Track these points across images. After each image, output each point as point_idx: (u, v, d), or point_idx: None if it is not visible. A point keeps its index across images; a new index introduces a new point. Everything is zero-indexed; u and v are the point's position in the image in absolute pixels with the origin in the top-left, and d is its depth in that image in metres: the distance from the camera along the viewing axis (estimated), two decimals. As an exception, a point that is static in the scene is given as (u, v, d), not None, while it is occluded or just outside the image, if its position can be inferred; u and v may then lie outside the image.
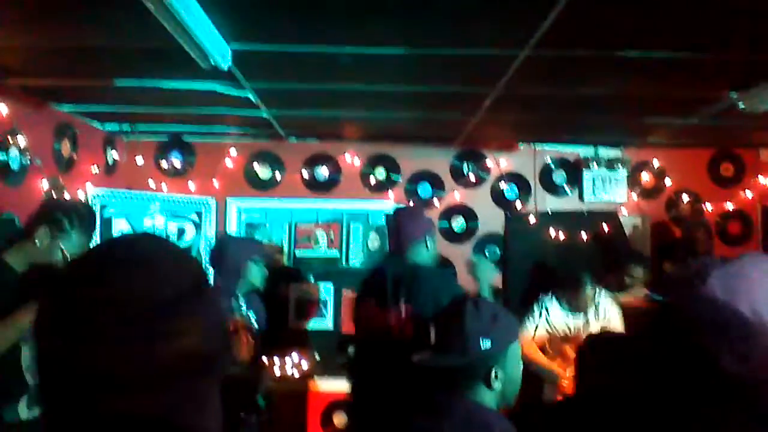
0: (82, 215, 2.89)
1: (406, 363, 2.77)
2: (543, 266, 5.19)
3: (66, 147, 4.26)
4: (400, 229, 3.33)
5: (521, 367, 2.00)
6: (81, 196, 4.39)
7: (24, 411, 2.62)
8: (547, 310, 4.40)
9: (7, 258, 2.69)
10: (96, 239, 4.49)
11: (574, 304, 4.32)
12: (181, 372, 0.83)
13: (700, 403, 0.85)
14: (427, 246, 3.35)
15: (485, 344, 1.88)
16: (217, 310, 0.91)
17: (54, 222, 2.73)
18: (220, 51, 2.70)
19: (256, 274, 3.76)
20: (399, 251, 3.30)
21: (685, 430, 0.90)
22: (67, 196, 4.13)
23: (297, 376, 4.84)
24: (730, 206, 5.51)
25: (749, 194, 5.50)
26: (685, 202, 5.51)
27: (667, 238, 5.44)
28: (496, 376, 1.87)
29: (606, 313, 4.31)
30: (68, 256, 2.71)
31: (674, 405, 0.90)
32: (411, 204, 5.38)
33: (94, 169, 4.60)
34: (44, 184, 3.92)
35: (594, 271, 4.44)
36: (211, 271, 3.81)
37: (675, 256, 4.84)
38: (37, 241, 2.69)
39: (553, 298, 4.44)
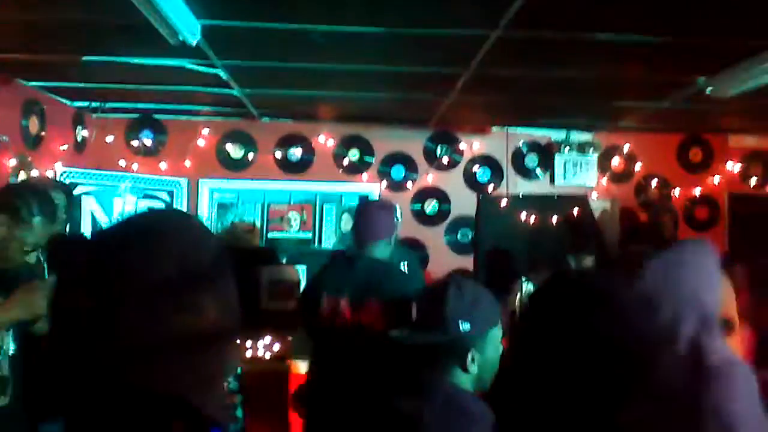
0: (47, 203, 2.78)
1: (376, 347, 2.80)
2: (502, 252, 5.24)
3: (34, 124, 4.19)
4: (368, 224, 3.30)
5: (500, 351, 2.00)
6: (50, 174, 4.33)
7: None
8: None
9: None
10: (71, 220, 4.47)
11: None
12: (192, 346, 0.83)
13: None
14: (389, 242, 3.34)
15: (464, 326, 1.88)
16: (234, 288, 0.92)
17: (11, 210, 2.59)
18: (188, 26, 2.68)
19: None
20: (361, 245, 3.28)
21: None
22: (35, 173, 4.07)
23: (268, 357, 4.85)
24: (697, 191, 5.59)
25: (717, 180, 5.59)
26: (653, 186, 5.58)
27: (635, 223, 5.53)
28: (472, 360, 1.88)
29: None
30: (25, 247, 2.61)
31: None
32: (383, 189, 5.38)
33: (64, 147, 4.53)
34: (11, 162, 3.86)
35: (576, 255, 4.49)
36: None
37: (640, 240, 4.92)
38: (36, 229, 2.57)
39: (529, 281, 4.46)
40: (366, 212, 3.37)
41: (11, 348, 2.50)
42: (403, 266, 4.08)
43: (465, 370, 1.88)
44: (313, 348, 3.24)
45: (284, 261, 5.32)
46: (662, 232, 5.02)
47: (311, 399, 3.29)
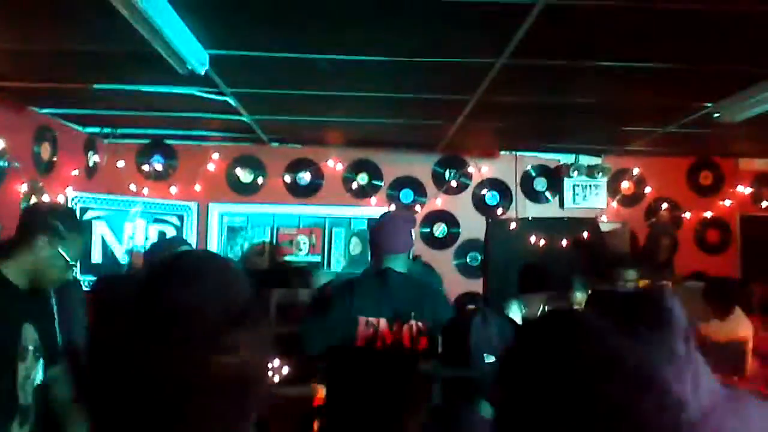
0: (74, 217, 2.80)
1: (408, 373, 2.75)
2: (532, 267, 5.20)
3: (46, 150, 4.24)
4: (389, 236, 3.20)
5: None
6: (61, 199, 4.37)
7: (17, 429, 2.51)
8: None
9: (6, 272, 2.50)
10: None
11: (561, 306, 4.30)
12: (228, 386, 0.84)
13: None
14: (408, 256, 3.28)
15: (489, 359, 1.89)
16: (265, 328, 0.93)
17: (50, 229, 2.55)
18: (197, 56, 2.71)
19: None
20: (381, 259, 3.18)
21: None
22: (46, 199, 4.11)
23: (277, 381, 4.83)
24: (708, 214, 5.56)
25: (728, 203, 5.55)
26: (664, 210, 5.55)
27: (636, 245, 5.49)
28: None
29: None
30: (70, 262, 2.62)
31: None
32: (395, 209, 5.38)
33: (75, 173, 4.57)
34: (23, 188, 3.90)
35: (585, 278, 4.45)
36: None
37: (636, 263, 4.87)
38: (36, 251, 2.51)
39: (516, 302, 4.40)
40: (386, 225, 3.24)
41: (39, 377, 2.50)
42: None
43: (492, 403, 1.87)
44: (339, 372, 3.10)
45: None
46: (657, 255, 4.96)
47: (337, 426, 3.18)
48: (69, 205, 4.36)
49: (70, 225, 2.64)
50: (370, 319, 2.95)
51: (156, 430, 0.81)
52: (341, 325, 2.98)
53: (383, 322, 2.95)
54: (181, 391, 0.82)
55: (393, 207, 5.41)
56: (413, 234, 3.35)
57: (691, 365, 0.74)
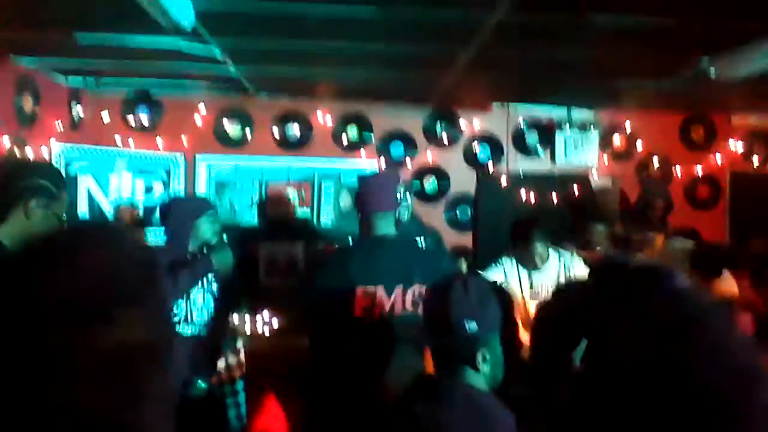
0: (59, 172, 2.73)
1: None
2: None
3: (28, 102, 4.14)
4: (372, 196, 3.19)
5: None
6: (45, 152, 4.29)
7: None
8: (504, 272, 4.41)
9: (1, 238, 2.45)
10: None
11: (525, 259, 4.34)
12: (116, 364, 0.82)
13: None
14: (394, 215, 3.27)
15: (470, 326, 1.85)
16: (164, 304, 0.90)
17: (41, 190, 2.47)
18: (182, 10, 2.62)
19: (206, 229, 3.70)
20: (367, 219, 3.17)
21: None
22: (29, 152, 4.03)
23: (268, 334, 4.86)
24: (699, 170, 5.55)
25: (719, 159, 5.54)
26: (655, 165, 5.54)
27: (627, 202, 5.51)
28: (484, 359, 1.85)
29: (572, 271, 4.36)
30: (63, 220, 2.58)
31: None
32: (382, 166, 5.34)
33: (59, 125, 4.48)
34: (5, 141, 3.82)
35: (553, 230, 4.50)
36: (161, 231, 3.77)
37: (629, 220, 4.91)
38: (30, 215, 2.43)
39: (512, 258, 4.46)
40: (372, 183, 3.22)
41: None
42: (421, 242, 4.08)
43: (475, 368, 1.86)
44: (332, 342, 3.11)
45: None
46: (649, 215, 4.99)
47: (324, 395, 3.20)
48: (48, 159, 4.29)
49: (58, 182, 2.59)
50: (368, 287, 2.96)
51: (36, 413, 0.79)
52: (339, 297, 2.99)
53: (380, 290, 2.96)
54: (59, 373, 0.79)
55: (383, 161, 5.36)
56: (401, 193, 3.34)
57: None
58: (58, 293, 0.80)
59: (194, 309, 3.64)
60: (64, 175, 2.86)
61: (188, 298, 3.66)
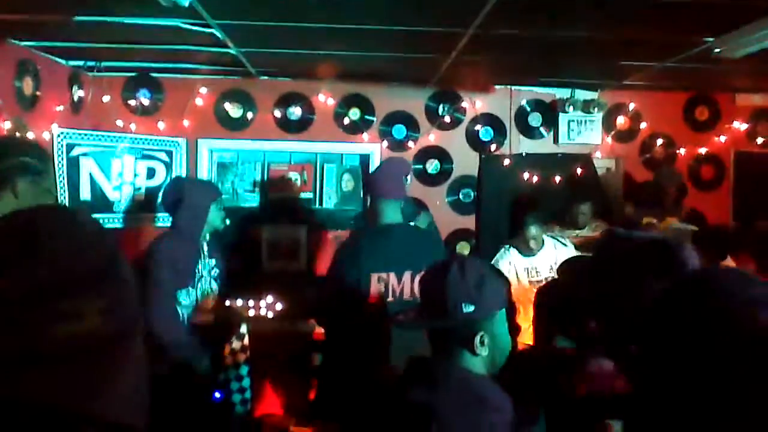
0: (37, 145, 2.71)
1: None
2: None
3: (28, 84, 4.12)
4: (382, 183, 3.26)
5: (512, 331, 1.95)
6: (46, 136, 4.28)
7: None
8: (510, 261, 4.46)
9: None
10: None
11: (522, 244, 4.42)
12: (75, 355, 0.79)
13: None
14: (401, 203, 3.33)
15: (467, 309, 1.83)
16: (127, 291, 0.87)
17: (27, 169, 2.47)
18: (180, -13, 2.59)
19: (216, 216, 3.74)
20: (376, 206, 3.25)
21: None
22: (30, 135, 4.02)
23: (271, 317, 4.87)
24: (703, 151, 5.52)
25: (723, 139, 5.50)
26: (659, 145, 5.50)
27: (635, 183, 5.49)
28: (482, 342, 1.83)
29: (564, 253, 4.38)
30: (55, 194, 2.56)
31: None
32: (384, 148, 5.32)
33: (60, 108, 4.46)
34: (7, 125, 3.80)
35: (543, 212, 4.58)
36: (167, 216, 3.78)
37: (640, 201, 4.90)
38: (21, 196, 2.42)
39: (510, 246, 4.52)
40: (384, 170, 3.34)
41: None
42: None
43: (473, 352, 1.84)
44: (349, 329, 3.16)
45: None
46: (663, 199, 4.98)
47: (330, 383, 3.26)
48: (50, 143, 4.29)
49: (41, 156, 2.56)
50: (381, 274, 3.06)
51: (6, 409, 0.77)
52: (355, 286, 3.07)
53: (392, 277, 3.06)
54: (20, 363, 0.77)
55: (385, 143, 5.34)
56: (407, 181, 3.42)
57: None
58: (17, 282, 0.78)
59: (201, 296, 3.67)
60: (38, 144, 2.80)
61: (196, 286, 3.69)
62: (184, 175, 5.06)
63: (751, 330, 0.92)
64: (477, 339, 1.82)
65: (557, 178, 5.32)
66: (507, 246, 4.58)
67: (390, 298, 3.12)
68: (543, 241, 4.51)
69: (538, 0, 2.96)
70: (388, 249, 3.15)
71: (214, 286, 3.84)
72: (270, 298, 4.91)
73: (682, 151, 5.49)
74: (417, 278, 3.11)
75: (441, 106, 5.41)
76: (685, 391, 0.96)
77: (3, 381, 0.77)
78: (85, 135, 4.60)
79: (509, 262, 4.47)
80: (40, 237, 0.82)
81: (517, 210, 4.58)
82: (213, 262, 3.83)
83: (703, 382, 0.94)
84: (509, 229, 4.57)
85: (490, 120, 5.45)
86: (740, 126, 5.49)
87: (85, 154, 4.57)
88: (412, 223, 3.88)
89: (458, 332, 1.85)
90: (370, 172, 3.38)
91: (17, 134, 3.85)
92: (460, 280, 1.85)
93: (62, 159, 4.41)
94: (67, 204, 4.37)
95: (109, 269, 0.85)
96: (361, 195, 3.44)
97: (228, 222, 3.99)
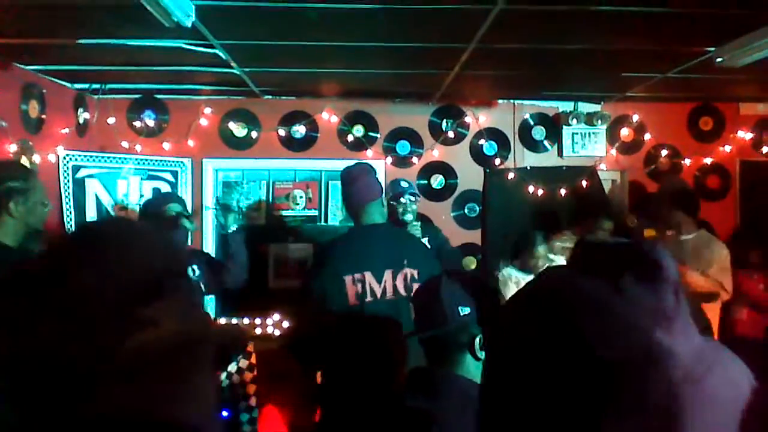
0: (18, 165, 2.81)
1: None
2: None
3: (34, 108, 4.15)
4: (363, 186, 3.25)
5: None
6: (52, 159, 4.30)
7: None
8: (507, 279, 4.41)
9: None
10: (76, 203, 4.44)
11: (527, 263, 4.36)
12: (159, 361, 0.80)
13: None
14: (383, 204, 3.32)
15: (464, 311, 1.87)
16: (196, 295, 0.88)
17: (13, 191, 2.60)
18: (182, 8, 2.61)
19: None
20: (361, 208, 3.23)
21: None
22: (36, 158, 4.04)
23: (278, 334, 4.86)
24: (708, 161, 5.51)
25: (728, 148, 5.49)
26: (663, 156, 5.49)
27: (643, 193, 5.46)
28: (480, 345, 1.85)
29: None
30: (49, 206, 2.66)
31: None
32: (388, 164, 5.33)
33: (65, 131, 4.49)
34: (12, 147, 3.82)
35: (551, 227, 4.52)
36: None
37: (646, 215, 4.85)
38: (16, 216, 2.56)
39: (508, 266, 4.47)
40: (359, 176, 3.32)
41: None
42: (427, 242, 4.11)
43: (475, 357, 1.85)
44: (330, 335, 3.15)
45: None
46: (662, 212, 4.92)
47: (327, 392, 3.22)
48: (56, 165, 4.31)
49: (24, 175, 2.68)
50: (356, 275, 3.01)
51: (77, 417, 0.76)
52: (330, 287, 3.02)
53: (369, 275, 3.01)
54: (92, 374, 0.76)
55: (389, 159, 5.35)
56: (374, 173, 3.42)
57: (680, 318, 0.74)
58: (86, 291, 0.78)
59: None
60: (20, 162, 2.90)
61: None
62: (189, 194, 5.06)
63: None
64: (477, 341, 1.84)
65: (563, 192, 5.31)
66: (508, 267, 4.50)
67: (369, 299, 3.05)
68: (550, 259, 4.45)
69: (539, 13, 2.97)
70: (364, 249, 3.10)
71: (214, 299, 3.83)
72: (276, 316, 4.90)
73: (687, 161, 5.48)
74: (399, 276, 3.08)
75: (444, 122, 5.42)
76: None
77: (93, 394, 0.76)
78: (91, 157, 4.62)
79: (514, 281, 4.42)
80: (110, 245, 0.83)
81: (524, 234, 4.54)
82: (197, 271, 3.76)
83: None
84: (512, 254, 4.52)
85: (494, 134, 5.45)
86: (745, 135, 5.48)
87: (90, 176, 4.59)
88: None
89: (458, 337, 1.87)
90: (346, 181, 3.34)
91: (29, 161, 3.89)
92: (453, 287, 1.90)
93: (68, 181, 4.43)
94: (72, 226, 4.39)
95: (174, 274, 0.85)
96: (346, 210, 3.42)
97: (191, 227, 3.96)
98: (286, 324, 4.86)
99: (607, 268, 0.77)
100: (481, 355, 1.85)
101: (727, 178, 5.57)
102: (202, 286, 3.74)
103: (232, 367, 3.81)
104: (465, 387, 1.81)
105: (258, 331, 4.88)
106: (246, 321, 4.86)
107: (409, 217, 4.38)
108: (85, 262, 0.81)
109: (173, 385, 0.82)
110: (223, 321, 3.88)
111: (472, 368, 1.86)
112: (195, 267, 3.74)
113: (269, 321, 4.92)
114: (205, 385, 0.87)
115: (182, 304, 0.84)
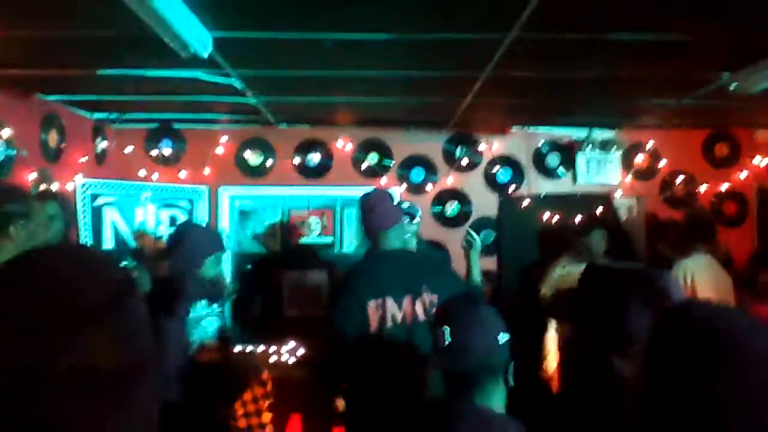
0: (17, 190, 2.81)
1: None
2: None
3: (53, 137, 4.22)
4: (382, 211, 3.25)
5: None
6: (70, 187, 4.36)
7: None
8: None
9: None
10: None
11: None
12: (84, 387, 0.79)
13: None
14: (402, 229, 3.32)
15: (503, 339, 1.89)
16: (139, 323, 0.88)
17: (14, 216, 2.58)
18: (200, 39, 2.66)
19: (209, 268, 3.61)
20: (380, 234, 3.22)
21: None
22: (55, 186, 4.10)
23: (292, 363, 4.84)
24: (724, 187, 5.47)
25: (744, 174, 5.46)
26: (679, 182, 5.47)
27: (661, 219, 5.42)
28: (512, 372, 1.88)
29: None
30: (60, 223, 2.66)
31: None
32: (402, 191, 5.35)
33: (83, 159, 4.55)
34: (32, 176, 3.88)
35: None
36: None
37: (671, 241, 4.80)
38: (15, 238, 2.54)
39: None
40: (378, 203, 3.31)
41: None
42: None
43: (507, 383, 1.87)
44: (358, 360, 3.12)
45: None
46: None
47: (350, 417, 3.20)
48: (73, 194, 4.35)
49: (21, 197, 2.66)
50: (378, 300, 3.00)
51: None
52: (354, 313, 3.01)
53: (390, 301, 3.00)
54: (16, 396, 0.77)
55: (403, 187, 5.37)
56: (401, 204, 3.43)
57: None
58: (18, 310, 0.79)
59: (206, 337, 3.59)
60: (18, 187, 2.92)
61: (198, 324, 3.61)
62: (204, 221, 5.10)
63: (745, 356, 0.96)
64: (511, 366, 1.85)
65: (577, 219, 5.28)
66: None
67: (390, 324, 3.04)
68: None
69: (552, 41, 2.99)
70: (384, 274, 3.08)
71: (218, 325, 3.75)
72: (291, 344, 4.89)
73: (703, 188, 5.45)
74: (418, 302, 3.06)
75: (458, 149, 5.44)
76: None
77: (10, 406, 0.77)
78: (108, 185, 4.68)
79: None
80: (58, 271, 0.84)
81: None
82: (219, 303, 3.72)
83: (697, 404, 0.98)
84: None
85: (508, 161, 5.47)
86: (761, 161, 5.45)
87: (108, 204, 4.64)
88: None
89: (495, 363, 1.87)
90: (364, 208, 3.33)
91: (48, 187, 3.93)
92: (492, 315, 1.92)
93: (86, 209, 4.48)
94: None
95: (119, 302, 0.85)
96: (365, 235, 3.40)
97: (223, 273, 3.90)
98: (300, 351, 4.84)
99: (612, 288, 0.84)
100: (510, 379, 1.86)
101: (745, 205, 5.53)
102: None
103: (248, 396, 3.80)
104: (488, 416, 1.81)
105: (273, 359, 4.87)
106: (261, 348, 4.85)
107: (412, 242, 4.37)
108: (24, 284, 0.81)
109: (92, 412, 0.81)
110: (238, 348, 3.85)
111: (497, 394, 1.85)
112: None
113: (284, 348, 4.91)
114: (137, 417, 0.86)
115: (119, 336, 0.83)
